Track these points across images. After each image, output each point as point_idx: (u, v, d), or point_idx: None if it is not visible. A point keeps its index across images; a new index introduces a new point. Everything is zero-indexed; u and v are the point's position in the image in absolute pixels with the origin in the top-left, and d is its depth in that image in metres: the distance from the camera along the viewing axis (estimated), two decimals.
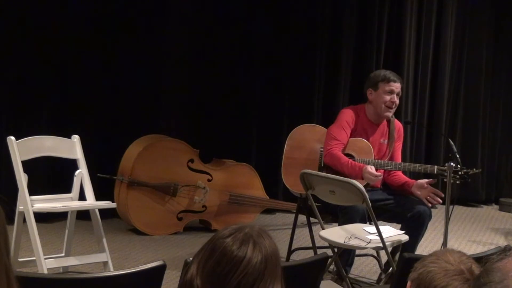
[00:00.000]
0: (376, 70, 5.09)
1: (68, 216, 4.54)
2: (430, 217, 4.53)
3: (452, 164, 4.36)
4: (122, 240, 5.44)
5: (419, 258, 1.99)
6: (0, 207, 1.49)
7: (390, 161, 4.69)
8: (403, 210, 4.52)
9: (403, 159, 5.23)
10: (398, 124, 4.88)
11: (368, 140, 4.73)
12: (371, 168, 4.49)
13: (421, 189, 4.51)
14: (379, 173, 4.54)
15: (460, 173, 4.34)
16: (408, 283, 1.92)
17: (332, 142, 4.67)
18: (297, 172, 4.35)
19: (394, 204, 4.61)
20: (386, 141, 4.79)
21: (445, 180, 4.37)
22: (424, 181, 4.51)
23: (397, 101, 4.73)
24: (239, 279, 1.79)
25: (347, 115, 4.76)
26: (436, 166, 4.48)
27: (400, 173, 4.74)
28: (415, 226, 4.43)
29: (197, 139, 6.03)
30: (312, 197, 4.35)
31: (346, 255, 4.48)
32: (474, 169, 4.48)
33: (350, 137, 4.72)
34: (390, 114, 4.74)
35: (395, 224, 4.68)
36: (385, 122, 4.81)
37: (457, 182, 4.37)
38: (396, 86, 4.69)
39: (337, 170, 4.62)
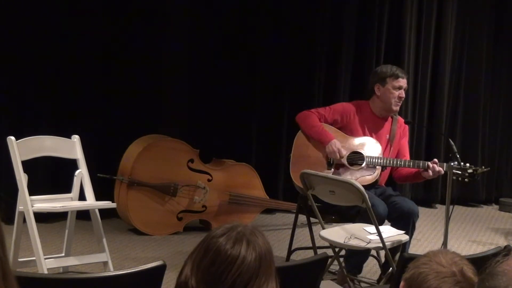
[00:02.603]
0: (382, 65, 5.11)
1: (68, 216, 4.54)
2: (416, 215, 4.53)
3: (452, 164, 4.37)
4: (122, 240, 5.44)
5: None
6: None
7: (398, 159, 4.70)
8: (390, 210, 4.51)
9: None
10: (402, 122, 4.91)
11: (374, 134, 4.75)
12: (338, 144, 4.66)
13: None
14: (343, 152, 4.66)
15: (469, 171, 4.36)
16: (402, 283, 1.92)
17: (312, 109, 4.85)
18: (307, 169, 4.37)
19: (383, 201, 4.59)
20: (388, 136, 4.81)
21: (453, 178, 4.38)
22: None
23: (404, 96, 4.81)
24: (234, 278, 1.79)
25: (344, 106, 4.88)
26: (445, 164, 4.50)
27: None
28: (402, 226, 4.41)
29: (197, 139, 6.03)
30: (313, 197, 4.35)
31: (355, 258, 4.48)
32: (483, 167, 4.53)
33: (357, 136, 4.74)
34: (397, 108, 4.80)
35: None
36: (389, 119, 4.84)
37: (465, 180, 4.39)
38: (404, 82, 4.77)
39: (304, 129, 4.79)
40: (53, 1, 5.81)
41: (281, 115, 6.63)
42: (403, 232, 4.29)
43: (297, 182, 4.77)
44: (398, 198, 4.66)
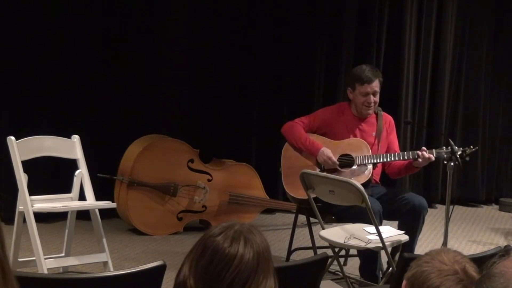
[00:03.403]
0: (357, 67, 4.95)
1: (68, 216, 4.54)
2: (426, 210, 4.54)
3: (452, 164, 4.37)
4: (122, 240, 5.44)
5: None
6: None
7: (388, 154, 4.70)
8: (398, 207, 4.52)
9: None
10: (387, 117, 4.89)
11: (359, 134, 4.75)
12: (328, 152, 4.63)
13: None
14: (334, 158, 4.65)
15: (458, 153, 4.38)
16: (404, 282, 1.92)
17: (296, 119, 4.84)
18: (299, 180, 4.34)
19: (389, 200, 4.59)
20: (375, 133, 4.81)
21: (445, 162, 4.41)
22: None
23: (376, 99, 4.71)
24: (233, 276, 1.79)
25: (326, 112, 4.88)
26: (434, 150, 4.53)
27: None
28: (412, 220, 4.43)
29: (197, 139, 6.03)
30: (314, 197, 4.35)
31: (374, 260, 4.46)
32: (471, 147, 4.55)
33: (343, 138, 4.73)
34: (370, 111, 4.76)
35: (391, 222, 4.68)
36: (373, 115, 4.82)
37: (456, 162, 4.40)
38: (371, 87, 4.66)
39: (291, 141, 4.78)
40: (53, 1, 5.81)
41: (281, 115, 6.62)
42: (412, 226, 4.32)
43: (292, 193, 4.77)
44: (405, 194, 4.69)
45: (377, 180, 4.83)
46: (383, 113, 4.86)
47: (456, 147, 4.45)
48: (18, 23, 5.68)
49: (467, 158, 4.52)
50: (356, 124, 4.78)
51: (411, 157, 4.60)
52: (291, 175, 4.72)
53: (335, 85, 6.83)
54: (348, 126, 4.76)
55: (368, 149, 4.68)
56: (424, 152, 4.50)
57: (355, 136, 4.76)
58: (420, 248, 5.50)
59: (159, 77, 6.29)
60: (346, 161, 4.70)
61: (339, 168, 4.69)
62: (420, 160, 4.51)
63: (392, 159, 4.68)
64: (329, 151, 4.67)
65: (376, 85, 4.68)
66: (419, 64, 7.24)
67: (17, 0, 5.70)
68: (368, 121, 4.81)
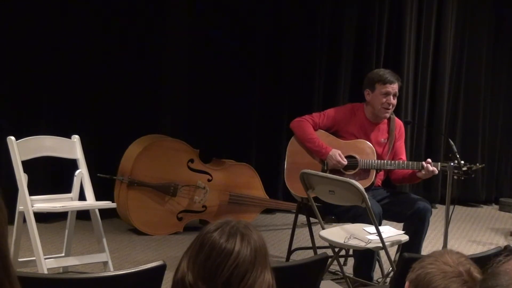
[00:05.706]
0: (376, 69, 5.06)
1: (68, 216, 4.54)
2: (430, 212, 4.55)
3: (452, 164, 4.37)
4: (122, 240, 5.44)
5: (418, 258, 1.99)
6: (1, 199, 1.47)
7: (392, 161, 4.69)
8: (402, 209, 4.52)
9: None
10: (399, 123, 4.87)
11: (369, 138, 4.73)
12: (338, 155, 4.63)
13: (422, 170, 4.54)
14: (344, 161, 4.64)
15: (463, 168, 4.35)
16: (406, 284, 1.92)
17: (306, 115, 4.81)
18: None
19: (393, 203, 4.60)
20: (386, 140, 4.79)
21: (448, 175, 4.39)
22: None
23: (394, 102, 4.71)
24: (230, 271, 1.81)
25: (338, 112, 4.83)
26: (439, 163, 4.51)
27: None
28: (417, 223, 4.44)
29: (197, 139, 6.03)
30: (314, 197, 4.35)
31: (370, 260, 4.46)
32: (478, 164, 4.53)
33: (351, 140, 4.72)
34: (387, 114, 4.74)
35: (395, 223, 4.68)
36: (385, 121, 4.81)
37: (461, 178, 4.39)
38: (393, 87, 4.66)
39: (300, 139, 4.76)
40: (53, 1, 5.81)
41: (281, 115, 6.63)
42: (417, 229, 4.32)
43: (293, 191, 4.76)
44: (408, 196, 4.69)
45: (379, 183, 4.82)
46: (395, 117, 4.85)
47: (462, 162, 4.41)
48: (18, 23, 5.68)
49: (473, 175, 4.51)
50: (367, 128, 4.75)
51: (415, 167, 4.58)
52: (294, 172, 4.71)
53: (335, 85, 6.83)
54: (358, 129, 4.74)
55: (374, 153, 4.66)
56: (429, 165, 4.47)
57: (364, 139, 4.74)
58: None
59: (159, 77, 6.29)
60: (350, 163, 4.69)
61: (343, 171, 4.68)
62: (423, 172, 4.50)
63: (396, 167, 4.66)
64: (337, 154, 4.66)
65: (396, 86, 4.69)
66: (419, 64, 7.25)
67: (17, 1, 5.70)
68: (380, 127, 4.78)
